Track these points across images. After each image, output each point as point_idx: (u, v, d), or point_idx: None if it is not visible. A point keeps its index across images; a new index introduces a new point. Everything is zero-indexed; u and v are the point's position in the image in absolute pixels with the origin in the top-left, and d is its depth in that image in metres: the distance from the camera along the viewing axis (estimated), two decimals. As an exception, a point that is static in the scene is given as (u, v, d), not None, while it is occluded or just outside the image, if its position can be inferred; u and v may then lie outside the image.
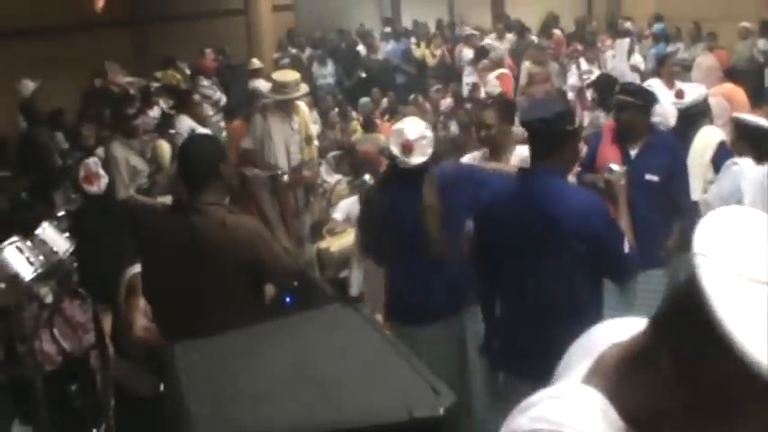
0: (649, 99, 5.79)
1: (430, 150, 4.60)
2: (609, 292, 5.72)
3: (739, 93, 8.09)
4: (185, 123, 9.47)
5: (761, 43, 14.33)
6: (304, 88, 8.41)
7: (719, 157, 6.00)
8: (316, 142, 8.76)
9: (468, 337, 4.68)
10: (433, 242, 4.56)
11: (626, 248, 3.88)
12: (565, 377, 1.64)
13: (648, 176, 5.61)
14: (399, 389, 2.15)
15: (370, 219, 5.01)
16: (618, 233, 3.92)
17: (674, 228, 5.72)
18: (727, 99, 7.26)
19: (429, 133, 4.66)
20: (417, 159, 4.57)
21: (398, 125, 4.72)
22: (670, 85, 7.86)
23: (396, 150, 4.59)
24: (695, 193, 6.03)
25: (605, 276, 4.00)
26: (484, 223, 4.20)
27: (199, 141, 4.37)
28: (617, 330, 1.64)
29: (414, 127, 4.63)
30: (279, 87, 8.11)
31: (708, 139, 6.08)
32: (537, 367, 3.84)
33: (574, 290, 3.87)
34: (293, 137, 8.08)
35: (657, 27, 15.88)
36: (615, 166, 4.80)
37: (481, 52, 14.61)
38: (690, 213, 5.69)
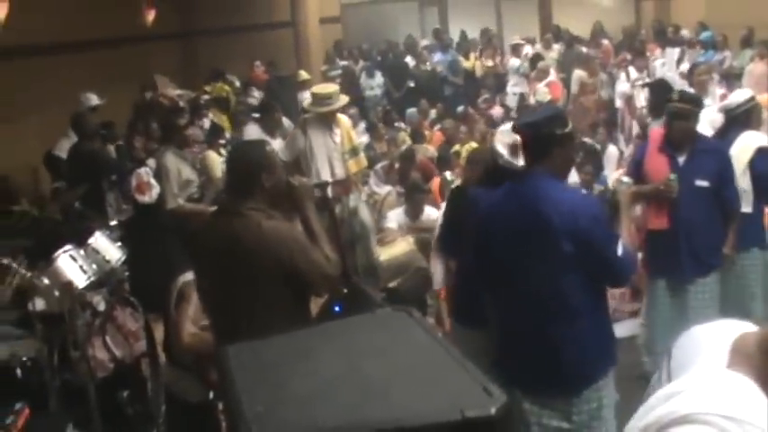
0: (701, 105, 5.79)
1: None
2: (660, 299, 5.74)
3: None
4: (253, 131, 9.66)
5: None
6: (344, 99, 8.35)
7: (757, 163, 5.95)
8: (362, 154, 8.66)
9: None
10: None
11: (619, 250, 3.84)
12: (686, 372, 1.69)
13: (699, 182, 5.60)
14: (451, 389, 2.15)
15: (455, 217, 4.89)
16: (610, 234, 3.91)
17: (728, 233, 5.75)
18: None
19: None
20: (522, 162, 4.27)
21: (507, 126, 4.60)
22: (702, 93, 7.80)
23: (502, 150, 4.46)
24: None
25: (598, 279, 3.92)
26: (480, 231, 4.15)
27: (244, 149, 4.44)
28: (720, 329, 1.73)
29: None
30: (319, 100, 8.05)
31: (746, 143, 6.01)
32: (537, 379, 3.92)
33: (569, 293, 3.83)
34: (336, 150, 7.99)
35: (705, 35, 15.72)
36: (625, 179, 4.90)
37: (535, 60, 14.59)
38: (738, 214, 5.75)
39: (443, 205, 6.71)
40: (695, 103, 5.75)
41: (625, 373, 4.60)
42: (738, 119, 6.15)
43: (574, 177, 6.46)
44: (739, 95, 6.32)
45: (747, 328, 1.71)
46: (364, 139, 12.78)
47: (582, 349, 3.88)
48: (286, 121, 11.04)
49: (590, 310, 3.91)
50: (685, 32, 16.45)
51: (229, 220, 3.99)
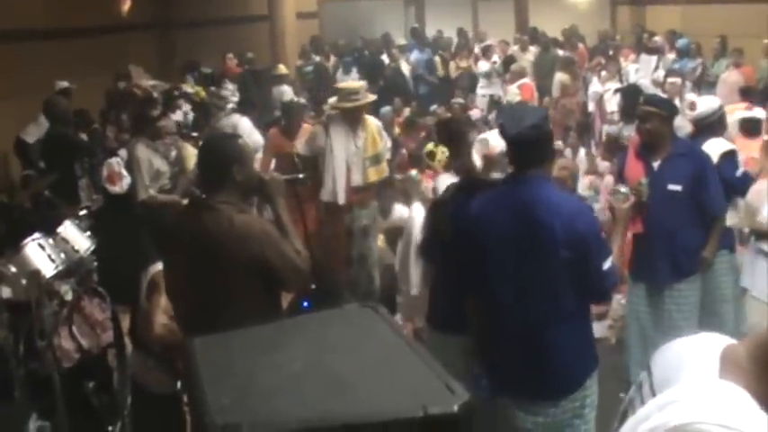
0: (672, 110, 5.82)
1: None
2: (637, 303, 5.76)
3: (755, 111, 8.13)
4: (244, 123, 9.64)
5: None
6: (370, 96, 7.89)
7: (723, 168, 5.96)
8: (384, 162, 7.96)
9: None
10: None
11: (607, 264, 3.86)
12: (672, 384, 1.68)
13: (671, 186, 5.61)
14: (415, 386, 2.18)
15: (434, 226, 4.86)
16: (601, 246, 3.92)
17: (709, 237, 5.72)
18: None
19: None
20: (496, 174, 4.38)
21: (484, 135, 4.59)
22: (672, 98, 7.96)
23: (477, 160, 4.50)
24: None
25: (581, 288, 3.89)
26: (471, 234, 4.11)
27: (216, 142, 4.42)
28: (704, 341, 1.75)
29: (500, 140, 4.27)
30: (345, 95, 7.59)
31: (712, 149, 6.07)
32: (532, 382, 3.94)
33: (562, 297, 3.86)
34: (356, 155, 7.46)
35: (681, 42, 15.85)
36: (623, 189, 4.82)
37: (508, 62, 14.67)
38: (721, 219, 5.73)
39: (415, 205, 6.75)
40: (663, 107, 5.75)
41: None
42: (708, 127, 6.22)
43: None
44: (708, 104, 6.36)
45: (729, 340, 1.72)
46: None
47: (571, 352, 3.93)
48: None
49: (579, 314, 3.97)
50: (658, 39, 16.57)
51: (200, 213, 3.98)
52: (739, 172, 6.06)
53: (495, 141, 4.41)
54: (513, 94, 12.98)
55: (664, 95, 9.03)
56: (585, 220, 3.89)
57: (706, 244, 5.70)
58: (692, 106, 6.28)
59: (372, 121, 7.85)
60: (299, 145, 7.98)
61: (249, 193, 4.27)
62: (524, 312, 3.90)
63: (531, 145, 3.88)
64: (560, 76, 13.52)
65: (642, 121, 5.70)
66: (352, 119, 7.51)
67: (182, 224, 4.14)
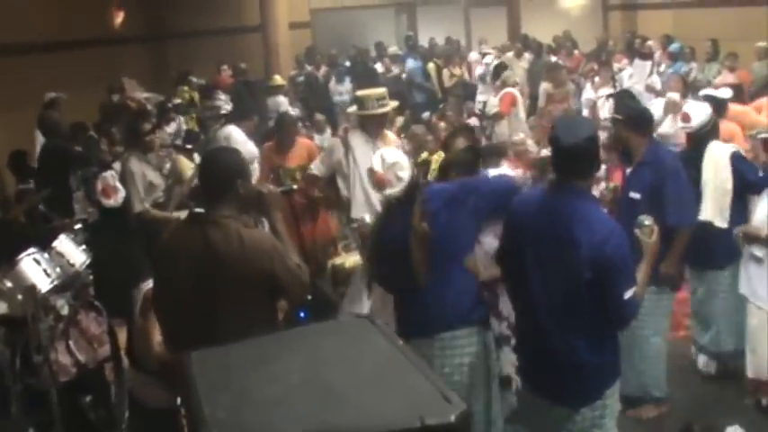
0: (640, 116, 5.77)
1: (405, 174, 4.58)
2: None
3: (746, 114, 8.16)
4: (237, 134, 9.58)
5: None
6: (393, 103, 7.42)
7: (745, 172, 6.05)
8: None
9: (478, 353, 4.63)
10: (417, 268, 4.54)
11: (628, 294, 3.87)
12: None
13: (632, 194, 5.60)
14: (411, 396, 2.18)
15: (372, 246, 4.99)
16: (626, 274, 3.91)
17: (672, 250, 5.54)
18: (733, 119, 7.32)
19: (402, 157, 4.65)
20: (394, 189, 4.60)
21: (371, 164, 4.72)
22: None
23: (374, 188, 4.71)
24: (705, 214, 6.02)
25: (606, 317, 3.93)
26: (509, 231, 4.28)
27: (219, 156, 4.34)
28: None
29: (381, 160, 4.62)
30: (368, 101, 7.03)
31: (718, 155, 6.08)
32: (552, 385, 4.07)
33: (585, 309, 3.89)
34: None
35: (674, 46, 15.89)
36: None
37: (499, 69, 14.66)
38: (682, 233, 5.58)
39: None
40: (629, 112, 5.74)
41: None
42: (705, 137, 6.22)
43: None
44: (702, 115, 6.30)
45: None
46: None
47: (590, 363, 3.98)
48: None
49: (602, 326, 3.98)
50: (651, 43, 16.60)
51: (204, 228, 3.93)
52: (761, 173, 6.05)
53: (377, 163, 4.63)
54: (491, 105, 13.06)
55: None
56: (616, 244, 3.86)
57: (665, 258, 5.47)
58: (687, 118, 6.23)
59: (392, 137, 7.41)
60: (314, 166, 7.46)
61: (248, 206, 4.24)
62: (548, 314, 3.98)
63: (582, 157, 3.93)
64: (544, 85, 13.53)
65: (614, 126, 5.75)
66: (375, 127, 6.99)
67: (184, 240, 4.04)
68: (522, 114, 12.79)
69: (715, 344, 6.31)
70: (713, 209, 6.04)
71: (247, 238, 3.87)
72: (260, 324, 3.71)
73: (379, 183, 4.61)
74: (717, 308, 6.22)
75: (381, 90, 7.33)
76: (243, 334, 3.03)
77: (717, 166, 6.10)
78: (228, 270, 3.84)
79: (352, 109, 7.35)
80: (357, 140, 6.99)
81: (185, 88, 14.71)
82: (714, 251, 6.04)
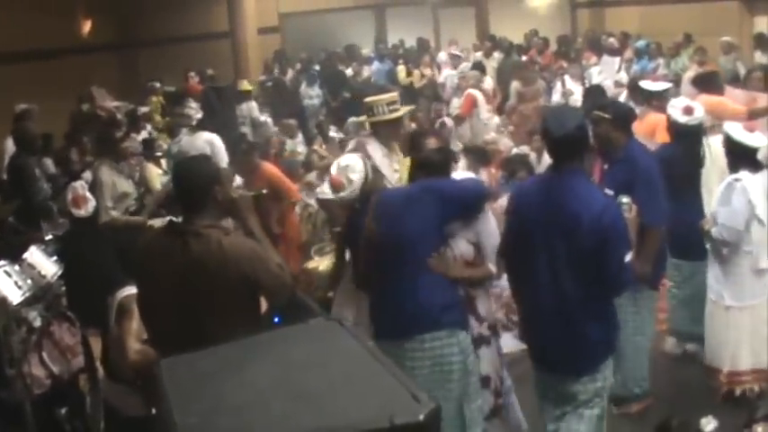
0: (627, 115, 5.82)
1: (356, 176, 4.80)
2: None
3: (721, 103, 8.24)
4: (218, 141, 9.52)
5: (757, 55, 14.46)
6: (406, 108, 7.00)
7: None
8: None
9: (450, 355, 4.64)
10: (365, 265, 4.67)
11: (627, 257, 4.24)
12: None
13: (607, 191, 5.58)
14: (380, 397, 2.20)
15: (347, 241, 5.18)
16: (623, 240, 4.29)
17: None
18: (711, 112, 7.37)
19: (353, 161, 4.89)
20: (346, 193, 4.86)
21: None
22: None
23: (326, 189, 4.93)
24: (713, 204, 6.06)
25: (600, 279, 4.24)
26: (512, 218, 4.56)
27: (195, 165, 4.32)
28: None
29: (336, 164, 4.94)
30: (378, 107, 6.49)
31: (719, 149, 6.20)
32: (561, 361, 4.37)
33: (588, 283, 4.23)
34: (393, 178, 6.20)
35: (640, 43, 16.03)
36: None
37: (477, 68, 14.74)
38: (653, 232, 5.48)
39: None
40: (612, 110, 5.75)
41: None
42: (698, 132, 6.27)
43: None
44: (700, 109, 6.35)
45: None
46: (301, 149, 12.75)
47: (592, 334, 4.34)
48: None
49: (604, 300, 4.39)
50: (612, 40, 16.74)
51: (185, 240, 3.92)
52: None
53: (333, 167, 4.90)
54: (453, 107, 13.15)
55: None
56: (611, 214, 4.27)
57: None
58: (689, 111, 6.27)
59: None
60: (327, 188, 6.36)
61: (224, 212, 4.24)
62: (555, 293, 4.29)
63: (574, 144, 4.31)
64: (515, 84, 13.59)
65: (594, 125, 5.71)
66: (389, 132, 6.47)
67: (164, 251, 4.01)
68: (486, 115, 12.81)
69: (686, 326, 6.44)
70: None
71: (228, 247, 3.87)
72: (245, 327, 3.72)
73: (333, 185, 4.80)
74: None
75: (392, 94, 6.89)
76: (229, 338, 3.06)
77: (719, 158, 6.21)
78: (211, 280, 3.84)
79: (369, 116, 6.61)
80: (373, 149, 6.33)
81: (154, 98, 14.67)
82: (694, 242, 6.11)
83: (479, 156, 9.32)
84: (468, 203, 4.76)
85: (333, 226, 7.65)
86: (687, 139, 6.23)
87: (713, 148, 6.27)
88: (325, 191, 6.67)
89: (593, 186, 4.54)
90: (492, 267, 4.89)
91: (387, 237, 4.61)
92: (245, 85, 14.67)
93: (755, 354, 5.85)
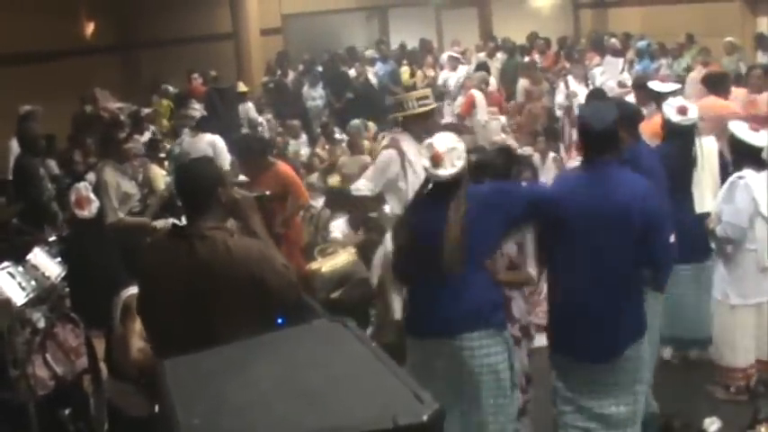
0: (634, 116, 5.82)
1: (461, 163, 4.56)
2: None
3: (726, 107, 8.24)
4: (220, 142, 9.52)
5: (758, 56, 14.45)
6: (434, 103, 7.07)
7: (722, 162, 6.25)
8: None
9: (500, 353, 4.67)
10: (451, 260, 4.54)
11: (672, 238, 4.54)
12: None
13: None
14: (384, 398, 2.20)
15: (401, 238, 4.96)
16: (666, 219, 4.57)
17: None
18: (715, 116, 7.38)
19: (460, 146, 4.63)
20: (447, 171, 4.55)
21: (428, 140, 4.74)
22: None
23: (426, 163, 4.61)
24: (703, 206, 6.09)
25: (647, 264, 4.53)
26: (552, 213, 4.63)
27: (197, 167, 4.30)
28: None
29: (443, 140, 4.63)
30: (407, 102, 6.70)
31: (711, 148, 6.27)
32: (602, 347, 4.50)
33: (631, 265, 4.47)
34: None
35: (641, 44, 16.02)
36: None
37: (481, 69, 14.75)
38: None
39: None
40: (622, 113, 5.73)
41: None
42: (692, 131, 6.27)
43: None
44: (694, 109, 6.35)
45: None
46: (305, 150, 12.77)
47: (634, 317, 4.60)
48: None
49: (642, 284, 4.64)
50: (614, 41, 16.73)
51: (191, 242, 3.90)
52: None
53: (438, 142, 4.61)
54: (455, 106, 13.16)
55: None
56: (655, 197, 4.54)
57: None
58: (684, 111, 6.26)
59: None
60: (362, 185, 6.76)
61: (227, 213, 4.22)
62: (600, 278, 4.46)
63: (612, 136, 4.54)
64: (522, 82, 13.64)
65: None
66: (419, 127, 6.55)
67: (169, 255, 3.99)
68: (485, 116, 12.79)
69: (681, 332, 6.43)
70: (712, 200, 6.12)
71: (235, 248, 3.86)
72: (250, 328, 3.71)
73: (436, 158, 4.56)
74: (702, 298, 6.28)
75: (423, 90, 7.28)
76: (236, 340, 3.06)
77: (711, 159, 6.24)
78: (219, 283, 3.82)
79: (400, 111, 6.83)
80: (407, 144, 6.56)
81: (164, 102, 14.69)
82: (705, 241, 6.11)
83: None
84: (532, 209, 4.74)
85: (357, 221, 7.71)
86: (680, 138, 6.18)
87: (705, 148, 6.24)
88: (359, 187, 6.73)
89: (632, 174, 4.67)
90: (533, 272, 5.00)
91: (463, 232, 4.56)
92: (242, 86, 14.73)
93: (759, 348, 5.91)
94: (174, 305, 3.94)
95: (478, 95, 12.82)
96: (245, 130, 13.25)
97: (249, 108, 14.24)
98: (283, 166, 8.19)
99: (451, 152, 4.55)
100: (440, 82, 16.06)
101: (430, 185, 4.73)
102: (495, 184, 4.90)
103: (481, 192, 4.73)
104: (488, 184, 4.90)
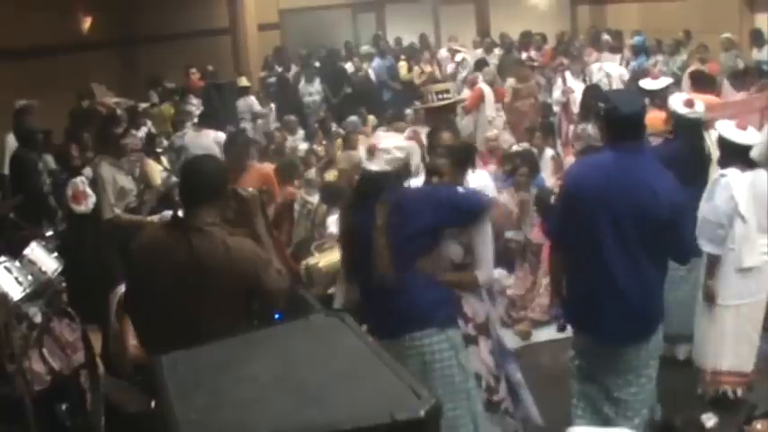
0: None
1: (390, 167, 4.57)
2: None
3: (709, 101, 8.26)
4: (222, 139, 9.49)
5: (754, 52, 14.45)
6: (459, 97, 7.36)
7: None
8: None
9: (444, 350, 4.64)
10: (381, 262, 4.54)
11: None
12: None
13: None
14: (382, 393, 2.20)
15: (344, 238, 5.02)
16: (690, 212, 4.83)
17: None
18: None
19: (399, 153, 4.62)
20: (375, 166, 4.58)
21: (378, 133, 4.77)
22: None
23: (362, 153, 4.68)
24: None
25: (671, 252, 4.68)
26: (571, 199, 4.73)
27: (204, 163, 4.29)
28: None
29: (387, 138, 4.75)
30: (428, 95, 6.92)
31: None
32: (626, 330, 4.60)
33: (655, 253, 4.55)
34: None
35: (637, 39, 16.03)
36: None
37: (480, 65, 14.74)
38: None
39: None
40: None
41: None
42: (699, 126, 6.29)
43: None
44: (701, 103, 6.36)
45: None
46: (303, 145, 12.76)
47: (655, 301, 4.71)
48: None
49: (665, 270, 4.73)
50: (608, 38, 16.74)
51: (187, 236, 3.89)
52: None
53: (381, 138, 4.84)
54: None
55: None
56: (679, 189, 4.58)
57: None
58: (691, 104, 6.27)
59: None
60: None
61: (227, 211, 4.21)
62: (623, 265, 4.52)
63: (640, 121, 4.62)
64: (509, 81, 13.59)
65: (597, 120, 5.72)
66: (442, 120, 6.61)
67: (165, 246, 3.98)
68: (490, 111, 12.81)
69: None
70: None
71: (233, 247, 3.85)
72: (239, 328, 3.71)
73: (371, 150, 4.60)
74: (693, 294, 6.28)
75: (445, 84, 7.41)
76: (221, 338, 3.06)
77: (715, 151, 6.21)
78: (214, 278, 3.82)
79: (421, 103, 7.20)
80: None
81: (163, 108, 14.67)
82: None
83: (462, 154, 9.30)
84: (464, 215, 4.73)
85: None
86: (689, 132, 6.20)
87: (713, 142, 6.26)
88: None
89: (658, 164, 4.71)
90: (480, 276, 4.86)
91: (388, 234, 4.55)
92: (244, 81, 14.73)
93: (737, 355, 5.85)
94: (164, 297, 3.93)
95: (487, 90, 12.82)
96: (246, 125, 13.29)
97: (252, 102, 14.29)
98: (264, 167, 8.24)
99: (387, 152, 4.58)
100: (449, 71, 16.05)
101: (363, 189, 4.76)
102: (430, 187, 4.94)
103: (411, 194, 4.75)
104: (420, 187, 4.95)
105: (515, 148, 10.21)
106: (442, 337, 4.58)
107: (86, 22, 15.31)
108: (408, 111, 13.63)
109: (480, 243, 4.84)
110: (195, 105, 13.80)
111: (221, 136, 10.01)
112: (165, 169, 9.20)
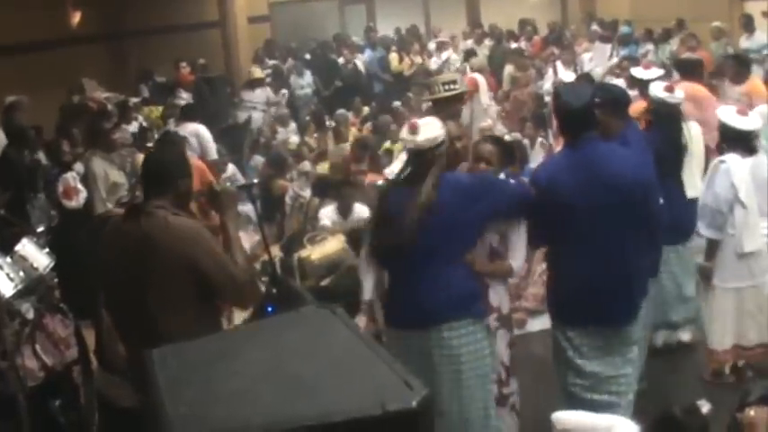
0: (619, 100, 5.78)
1: (438, 136, 4.53)
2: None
3: (700, 91, 8.27)
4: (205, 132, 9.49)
5: (742, 40, 14.44)
6: (464, 87, 7.06)
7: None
8: None
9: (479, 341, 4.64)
10: (407, 232, 4.47)
11: (661, 200, 4.83)
12: None
13: None
14: (373, 384, 2.20)
15: (377, 219, 4.90)
16: (658, 185, 4.83)
17: None
18: (690, 98, 7.37)
19: (441, 128, 4.61)
20: (423, 136, 4.51)
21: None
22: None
23: (404, 133, 4.64)
24: (696, 190, 6.09)
25: (648, 229, 4.72)
26: (545, 198, 4.66)
27: (162, 155, 4.39)
28: None
29: (424, 119, 4.80)
30: (435, 86, 6.77)
31: (696, 131, 6.31)
32: (619, 311, 4.67)
33: (635, 239, 4.63)
34: None
35: (624, 29, 16.04)
36: None
37: (469, 55, 14.74)
38: None
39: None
40: (608, 94, 5.66)
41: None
42: (678, 113, 6.28)
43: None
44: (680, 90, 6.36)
45: None
46: (294, 138, 12.76)
47: (642, 279, 4.83)
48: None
49: (647, 247, 4.84)
50: (596, 27, 16.74)
51: (137, 219, 3.97)
52: None
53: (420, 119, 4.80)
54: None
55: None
56: (647, 165, 4.82)
57: None
58: (671, 89, 6.26)
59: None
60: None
61: (187, 202, 4.22)
62: (610, 251, 4.60)
63: (590, 113, 4.67)
64: (509, 69, 13.61)
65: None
66: (445, 111, 6.40)
67: (121, 232, 4.08)
68: (485, 99, 12.80)
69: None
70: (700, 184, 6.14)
71: (173, 223, 3.91)
72: (197, 321, 3.76)
73: (412, 127, 4.57)
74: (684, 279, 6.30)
75: (452, 75, 7.35)
76: (179, 330, 3.25)
77: (698, 143, 6.29)
78: (155, 257, 3.87)
79: (428, 95, 7.03)
80: None
81: (154, 110, 14.66)
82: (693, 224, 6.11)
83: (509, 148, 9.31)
84: (514, 208, 4.74)
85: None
86: (667, 121, 6.14)
87: (692, 133, 6.25)
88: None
89: (617, 146, 4.86)
90: (514, 264, 4.87)
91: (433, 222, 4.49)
92: (258, 72, 15.14)
93: (738, 334, 5.93)
94: (121, 281, 4.01)
95: (481, 79, 12.80)
96: (256, 114, 13.47)
97: (268, 92, 14.75)
98: (198, 163, 8.29)
99: (428, 125, 4.59)
100: (434, 67, 16.03)
101: (408, 170, 4.69)
102: (480, 176, 4.85)
103: (461, 180, 4.69)
104: (472, 174, 4.89)
105: (507, 138, 10.21)
106: (477, 327, 4.60)
107: (76, 17, 15.24)
108: (397, 102, 13.65)
109: (516, 232, 4.85)
110: (185, 99, 13.78)
111: (201, 128, 10.02)
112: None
